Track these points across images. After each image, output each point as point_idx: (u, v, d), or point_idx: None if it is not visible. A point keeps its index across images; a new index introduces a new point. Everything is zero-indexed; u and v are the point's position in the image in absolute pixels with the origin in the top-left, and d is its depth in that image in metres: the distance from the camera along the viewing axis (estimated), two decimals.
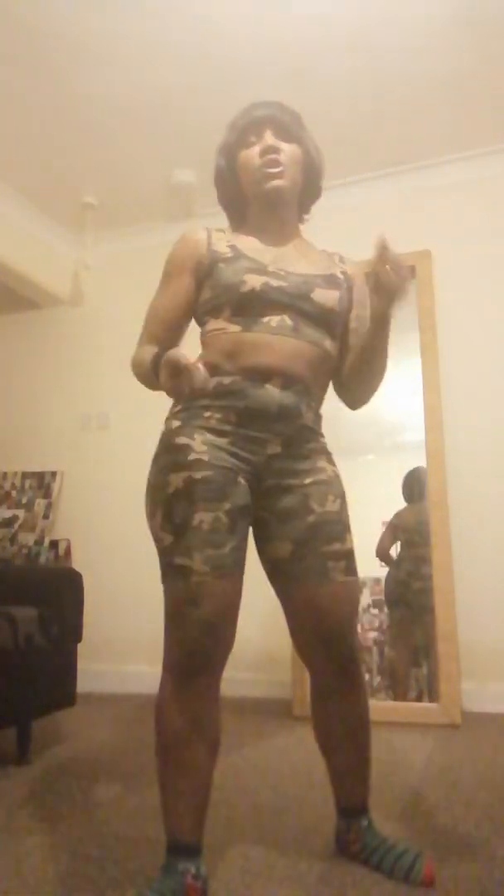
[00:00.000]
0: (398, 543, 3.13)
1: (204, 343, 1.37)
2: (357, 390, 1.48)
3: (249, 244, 1.39)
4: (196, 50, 2.60)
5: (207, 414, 1.29)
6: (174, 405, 1.35)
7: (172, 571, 1.23)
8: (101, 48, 2.59)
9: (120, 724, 2.68)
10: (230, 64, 2.67)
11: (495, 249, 3.16)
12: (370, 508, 3.16)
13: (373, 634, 3.12)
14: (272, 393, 1.28)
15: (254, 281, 1.30)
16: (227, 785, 1.90)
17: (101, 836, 1.56)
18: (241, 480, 1.27)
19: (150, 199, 3.59)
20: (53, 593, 2.32)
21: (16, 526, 3.75)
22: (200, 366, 1.12)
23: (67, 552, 3.63)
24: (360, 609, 3.16)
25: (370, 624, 3.13)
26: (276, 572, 1.34)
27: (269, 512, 1.32)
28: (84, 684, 2.52)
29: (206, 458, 1.24)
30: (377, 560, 3.15)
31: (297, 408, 1.31)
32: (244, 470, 1.28)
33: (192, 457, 1.25)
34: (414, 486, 3.10)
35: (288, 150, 1.38)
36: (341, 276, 1.43)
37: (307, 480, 1.32)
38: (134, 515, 3.70)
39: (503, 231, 3.17)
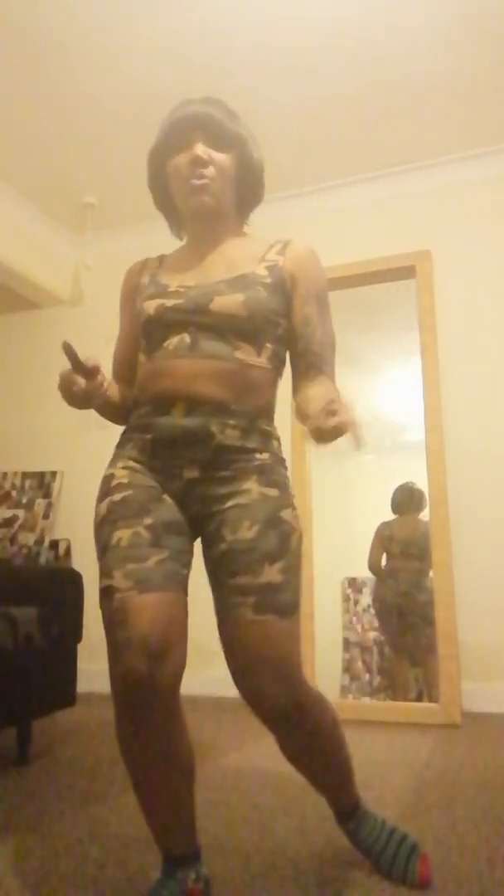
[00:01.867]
0: (386, 554, 3.13)
1: None
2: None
3: (173, 265, 1.36)
4: (196, 50, 2.60)
5: (129, 445, 1.28)
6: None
7: (101, 595, 1.13)
8: (101, 49, 2.59)
9: None
10: (230, 64, 2.67)
11: (495, 249, 3.16)
12: (371, 508, 3.17)
13: (373, 634, 3.12)
14: (175, 420, 1.20)
15: (149, 307, 1.28)
16: (227, 785, 1.90)
17: (101, 836, 1.56)
18: (167, 499, 1.21)
19: (150, 199, 3.58)
20: (53, 593, 2.32)
21: (16, 526, 3.75)
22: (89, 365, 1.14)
23: (67, 552, 3.62)
24: (360, 609, 3.16)
25: (370, 624, 3.14)
26: None
27: (203, 539, 1.25)
28: (84, 684, 2.52)
29: (125, 480, 1.22)
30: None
31: (206, 429, 1.19)
32: (165, 488, 1.22)
33: (114, 483, 1.23)
34: (404, 499, 3.10)
35: (218, 161, 1.27)
36: (263, 271, 1.28)
37: (227, 504, 1.19)
38: None
39: (503, 231, 3.17)
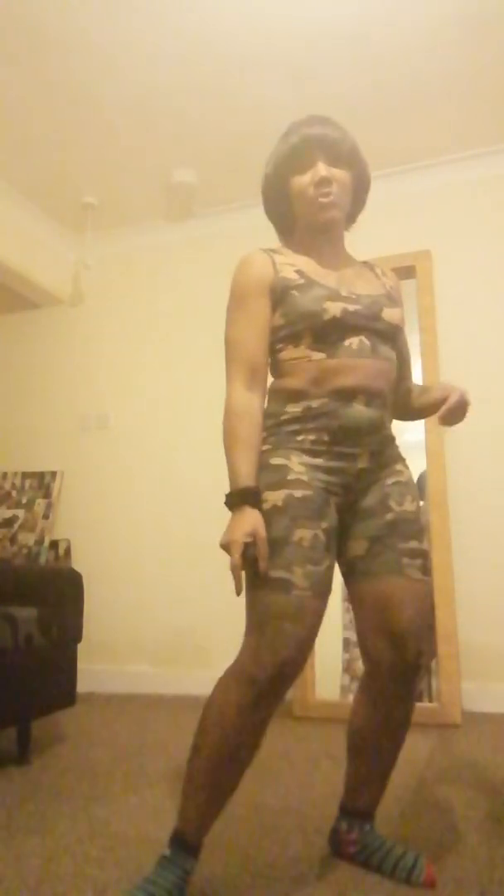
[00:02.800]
0: None
1: (282, 371, 1.36)
2: (408, 418, 1.58)
3: (313, 269, 1.40)
4: (196, 50, 2.60)
5: (300, 437, 1.31)
6: None
7: (268, 584, 1.21)
8: (101, 48, 2.59)
9: (119, 724, 2.67)
10: (230, 64, 2.67)
11: (495, 249, 3.16)
12: None
13: None
14: (361, 410, 1.31)
15: (334, 309, 1.32)
16: None
17: (101, 836, 1.56)
18: (332, 502, 1.30)
19: (150, 199, 3.59)
20: (53, 593, 2.32)
21: (16, 526, 3.75)
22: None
23: (67, 552, 3.62)
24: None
25: None
26: (351, 571, 1.34)
27: (349, 514, 1.34)
28: (84, 684, 2.52)
29: (304, 478, 1.27)
30: None
31: (382, 421, 1.35)
32: (336, 486, 1.30)
33: (291, 476, 1.26)
34: (420, 488, 3.11)
35: (339, 179, 1.38)
36: (394, 293, 1.47)
37: (388, 481, 1.35)
38: (134, 515, 3.72)
39: (503, 231, 3.17)
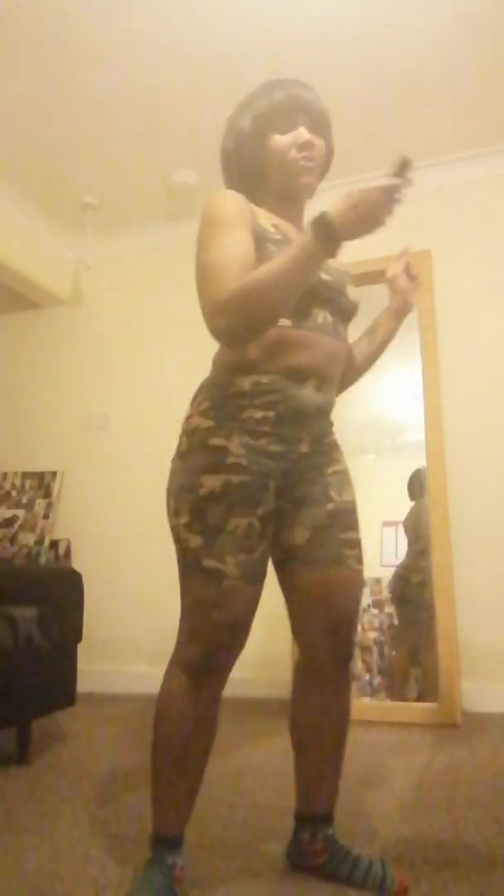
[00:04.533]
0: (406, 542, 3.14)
1: None
2: (353, 381, 1.52)
3: (286, 229, 1.31)
4: (196, 50, 2.60)
5: (244, 415, 1.23)
6: (200, 403, 1.28)
7: (200, 573, 1.21)
8: (101, 48, 2.59)
9: (120, 724, 2.67)
10: (230, 64, 2.67)
11: (495, 249, 3.16)
12: (370, 508, 3.15)
13: (373, 634, 3.12)
14: (311, 394, 1.27)
15: None
16: (227, 785, 1.90)
17: (101, 836, 1.56)
18: (271, 485, 1.26)
19: (150, 199, 3.59)
20: (53, 593, 2.32)
21: (16, 526, 3.75)
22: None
23: (67, 552, 3.62)
24: (361, 609, 3.17)
25: (370, 624, 3.14)
26: (290, 559, 1.32)
27: (287, 501, 1.30)
28: (84, 684, 2.52)
29: (244, 462, 1.22)
30: (377, 559, 3.16)
31: (329, 407, 1.33)
32: (275, 471, 1.26)
33: (230, 460, 1.21)
34: (415, 484, 3.11)
35: (318, 147, 1.34)
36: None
37: (328, 470, 1.33)
38: (134, 515, 3.72)
39: (503, 231, 3.17)
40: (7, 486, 3.87)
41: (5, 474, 3.91)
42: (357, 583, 1.34)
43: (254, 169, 1.35)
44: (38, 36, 2.52)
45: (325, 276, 1.29)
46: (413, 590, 3.02)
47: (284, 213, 1.36)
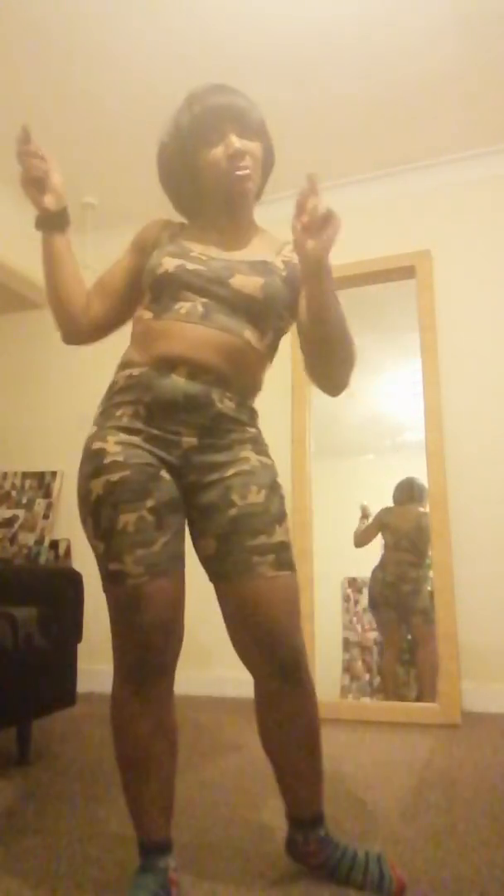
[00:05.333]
0: (382, 543, 3.14)
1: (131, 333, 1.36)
2: (324, 374, 1.31)
3: (195, 235, 1.36)
4: (196, 50, 2.60)
5: (119, 412, 1.25)
6: (98, 410, 1.33)
7: (109, 578, 1.20)
8: (100, 48, 2.59)
9: None
10: (230, 65, 2.67)
11: (495, 249, 3.16)
12: (371, 508, 3.16)
13: (373, 634, 3.12)
14: (177, 382, 1.22)
15: (168, 263, 1.28)
16: (227, 785, 1.90)
17: (101, 836, 1.56)
18: (165, 475, 1.23)
19: (150, 199, 3.58)
20: (53, 593, 2.32)
21: (16, 526, 3.75)
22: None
23: (67, 552, 3.62)
24: (360, 610, 3.16)
25: (370, 624, 3.14)
26: (208, 571, 1.28)
27: (193, 508, 1.27)
28: (84, 684, 2.52)
29: (120, 458, 1.20)
30: (376, 560, 3.16)
31: (207, 396, 1.24)
32: (162, 463, 1.23)
33: (107, 460, 1.21)
34: (403, 489, 3.11)
35: (252, 151, 1.32)
36: (280, 264, 1.35)
37: (229, 472, 1.25)
38: None
39: (503, 231, 3.17)
40: (7, 486, 3.87)
41: (5, 474, 3.91)
42: (275, 591, 1.21)
43: (190, 187, 1.39)
44: (38, 36, 2.52)
45: (191, 266, 1.27)
46: (403, 598, 3.02)
47: (223, 223, 1.37)
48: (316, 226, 1.12)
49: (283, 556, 1.24)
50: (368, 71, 2.72)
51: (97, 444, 1.24)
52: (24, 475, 3.87)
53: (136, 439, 1.23)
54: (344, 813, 1.66)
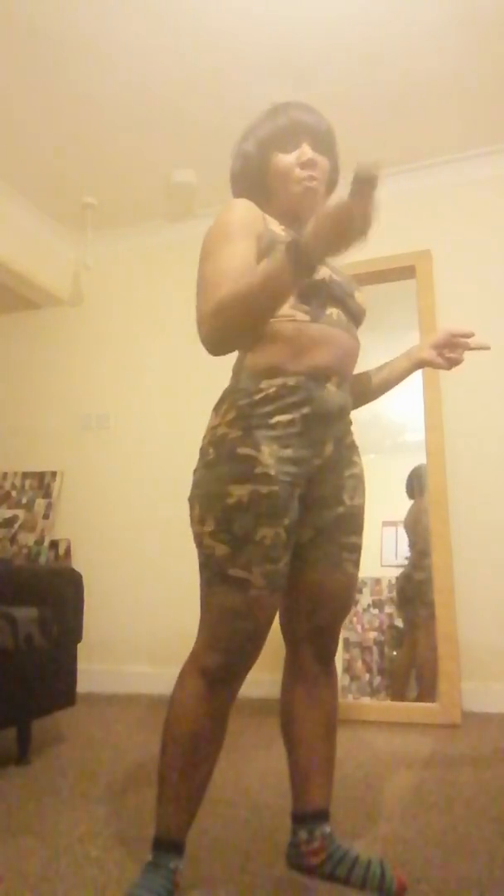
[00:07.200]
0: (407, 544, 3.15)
1: (260, 337, 1.26)
2: (363, 403, 1.50)
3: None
4: (196, 50, 2.60)
5: (273, 420, 1.23)
6: (226, 413, 1.27)
7: (226, 582, 1.22)
8: (100, 48, 2.59)
9: (119, 724, 2.67)
10: (231, 64, 2.67)
11: (495, 249, 3.16)
12: (370, 508, 3.15)
13: (373, 634, 3.12)
14: (333, 394, 1.28)
15: (323, 271, 1.28)
16: (228, 785, 1.90)
17: (101, 836, 1.56)
18: (297, 493, 1.26)
19: (150, 199, 3.59)
20: (53, 593, 2.32)
21: (16, 526, 3.75)
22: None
23: (67, 552, 3.62)
24: (360, 609, 3.17)
25: (370, 624, 3.14)
26: (292, 556, 1.33)
27: (302, 502, 1.30)
28: (84, 684, 2.52)
29: (272, 472, 1.21)
30: (378, 559, 3.16)
31: (349, 407, 1.34)
32: (301, 479, 1.26)
33: (258, 470, 1.21)
34: (415, 482, 3.11)
35: (321, 164, 1.38)
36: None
37: (345, 473, 1.33)
38: (134, 515, 3.71)
39: (503, 231, 3.17)
40: (7, 486, 3.87)
41: (5, 474, 3.91)
42: (349, 587, 1.35)
43: (260, 188, 1.41)
44: (38, 36, 2.52)
45: (336, 277, 1.32)
46: (415, 587, 3.02)
47: (296, 226, 1.38)
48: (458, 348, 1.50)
49: (359, 559, 1.37)
50: (368, 71, 2.72)
51: (245, 450, 1.22)
52: (24, 475, 3.87)
53: (287, 452, 1.23)
54: (344, 813, 1.65)
